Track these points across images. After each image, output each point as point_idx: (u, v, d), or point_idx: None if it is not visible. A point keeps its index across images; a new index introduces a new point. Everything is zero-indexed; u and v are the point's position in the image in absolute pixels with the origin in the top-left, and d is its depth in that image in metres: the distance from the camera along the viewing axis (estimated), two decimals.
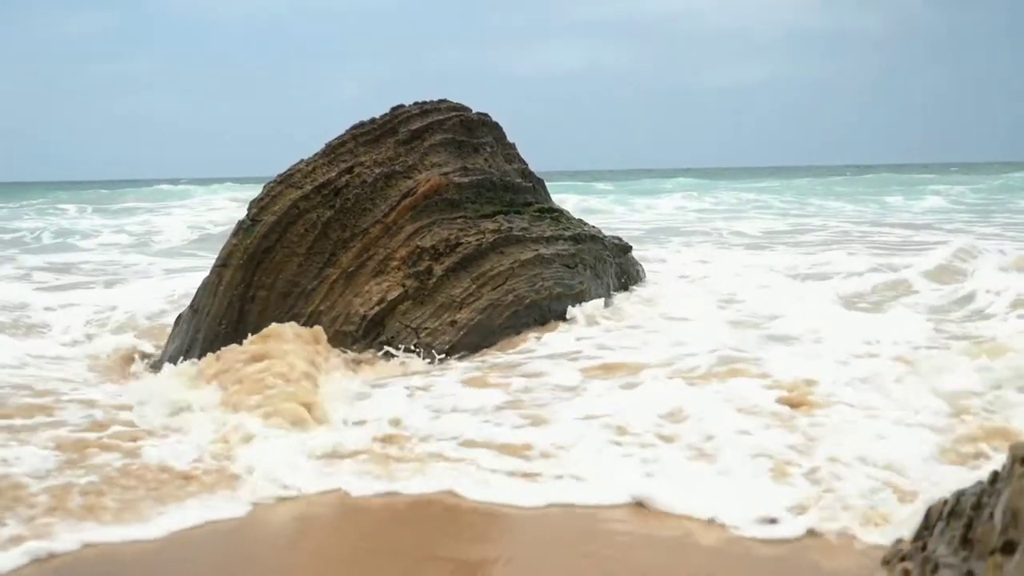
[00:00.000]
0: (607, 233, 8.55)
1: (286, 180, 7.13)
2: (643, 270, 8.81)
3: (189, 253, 16.24)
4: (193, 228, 21.53)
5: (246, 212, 7.07)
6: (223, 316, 6.75)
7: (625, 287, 8.15)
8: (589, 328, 6.85)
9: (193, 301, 7.14)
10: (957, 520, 2.16)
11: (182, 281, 10.08)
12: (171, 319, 7.68)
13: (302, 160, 7.32)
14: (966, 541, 2.07)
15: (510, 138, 8.26)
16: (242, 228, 6.99)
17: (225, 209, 28.19)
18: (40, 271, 13.19)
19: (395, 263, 6.82)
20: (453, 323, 6.52)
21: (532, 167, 8.28)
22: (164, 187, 45.47)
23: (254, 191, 7.71)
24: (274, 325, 6.00)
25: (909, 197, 30.29)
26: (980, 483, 2.13)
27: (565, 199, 26.31)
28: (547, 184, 8.52)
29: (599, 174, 79.15)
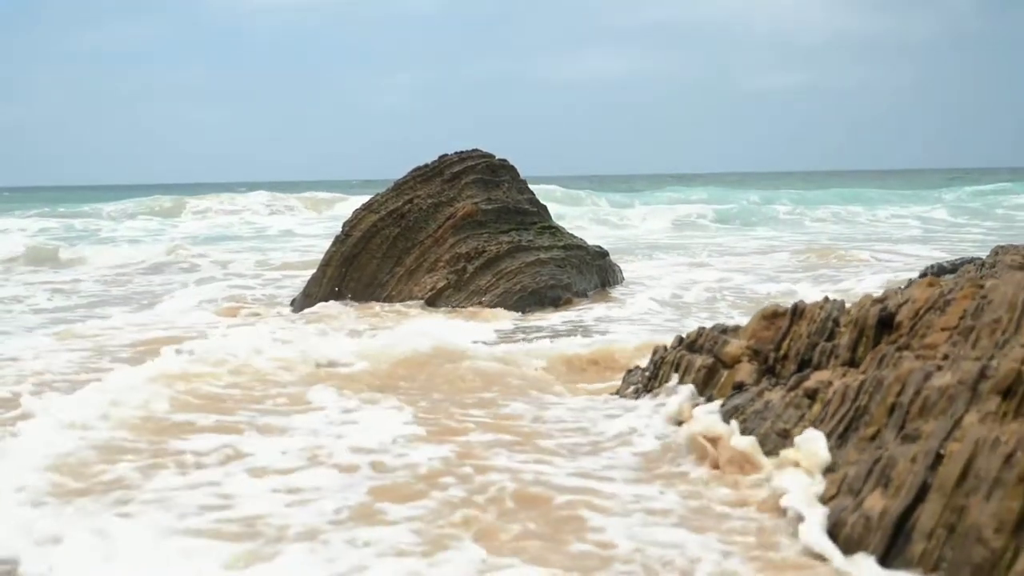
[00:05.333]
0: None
1: (368, 207, 10.50)
2: (621, 272, 11.99)
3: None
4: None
5: (341, 229, 10.45)
6: (326, 300, 10.13)
7: (603, 284, 11.36)
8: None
9: (305, 289, 10.53)
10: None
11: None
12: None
13: (378, 193, 10.69)
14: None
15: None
16: (338, 240, 10.38)
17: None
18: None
19: (442, 264, 10.13)
20: (480, 303, 9.80)
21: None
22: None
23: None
24: None
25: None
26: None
27: (596, 211, 29.43)
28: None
29: (635, 180, 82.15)
